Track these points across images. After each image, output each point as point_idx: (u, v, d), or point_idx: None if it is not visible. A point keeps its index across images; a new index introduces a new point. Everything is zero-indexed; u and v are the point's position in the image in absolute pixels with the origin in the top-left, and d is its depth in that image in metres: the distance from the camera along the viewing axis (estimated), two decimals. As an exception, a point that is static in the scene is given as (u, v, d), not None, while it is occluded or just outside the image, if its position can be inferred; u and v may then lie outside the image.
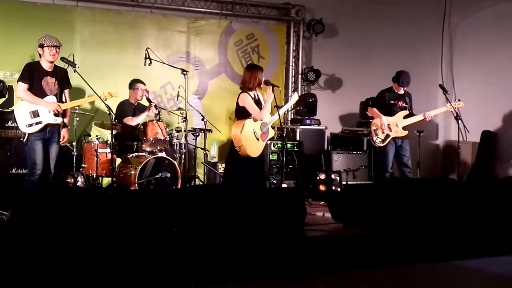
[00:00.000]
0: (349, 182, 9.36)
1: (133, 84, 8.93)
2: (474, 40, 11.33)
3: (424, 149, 9.45)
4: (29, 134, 7.09)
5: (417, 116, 8.95)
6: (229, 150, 7.64)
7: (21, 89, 7.13)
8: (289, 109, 10.57)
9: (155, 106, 8.73)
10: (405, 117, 8.93)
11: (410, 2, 11.50)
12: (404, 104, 8.97)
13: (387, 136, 8.84)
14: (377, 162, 9.22)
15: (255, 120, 7.50)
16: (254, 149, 7.48)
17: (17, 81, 7.22)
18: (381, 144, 8.88)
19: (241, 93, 7.55)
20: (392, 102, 8.96)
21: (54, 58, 7.18)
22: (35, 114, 7.11)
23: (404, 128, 8.88)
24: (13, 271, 4.96)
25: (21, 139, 7.17)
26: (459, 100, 8.95)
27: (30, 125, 7.09)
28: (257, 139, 7.50)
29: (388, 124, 8.83)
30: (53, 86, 7.23)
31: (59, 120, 7.25)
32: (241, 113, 7.53)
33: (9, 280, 4.89)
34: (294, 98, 8.14)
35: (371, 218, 6.94)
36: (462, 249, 6.47)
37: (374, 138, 8.95)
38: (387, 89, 9.05)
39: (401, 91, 8.98)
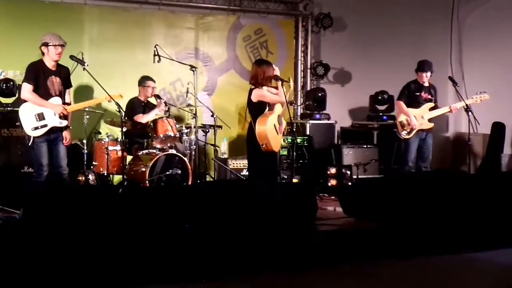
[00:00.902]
0: (359, 176, 9.36)
1: (143, 81, 8.94)
2: (483, 31, 11.27)
3: (435, 142, 9.40)
4: (34, 137, 7.01)
5: (443, 108, 8.91)
6: (250, 146, 7.55)
7: (26, 90, 7.00)
8: (299, 104, 10.57)
9: (165, 103, 8.75)
10: (431, 109, 8.88)
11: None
12: (429, 96, 8.90)
13: (413, 128, 8.80)
14: (400, 154, 9.11)
15: (282, 105, 7.47)
16: (276, 143, 7.44)
17: (22, 82, 7.12)
18: (407, 136, 8.82)
19: (253, 89, 7.45)
20: (418, 94, 8.88)
21: (59, 57, 7.09)
22: (41, 116, 7.01)
23: (430, 120, 8.83)
24: (25, 269, 4.98)
25: (26, 142, 7.05)
26: (484, 92, 8.85)
27: (36, 128, 6.98)
28: (277, 132, 7.47)
29: (414, 117, 8.79)
30: (58, 85, 7.12)
31: (64, 123, 7.14)
32: (256, 110, 7.39)
33: (21, 279, 4.92)
34: (291, 85, 8.10)
35: (382, 211, 6.92)
36: (475, 241, 6.46)
37: (400, 131, 8.89)
38: (412, 81, 8.98)
39: (426, 83, 8.92)
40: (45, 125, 7.03)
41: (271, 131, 7.31)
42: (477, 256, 6.19)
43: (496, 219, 6.87)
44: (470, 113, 8.76)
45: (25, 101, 7.10)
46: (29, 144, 7.02)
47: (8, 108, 8.34)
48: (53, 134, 7.13)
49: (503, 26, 10.83)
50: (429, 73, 8.89)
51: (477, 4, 11.48)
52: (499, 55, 10.90)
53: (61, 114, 7.10)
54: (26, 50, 8.63)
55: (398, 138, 8.99)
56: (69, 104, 7.30)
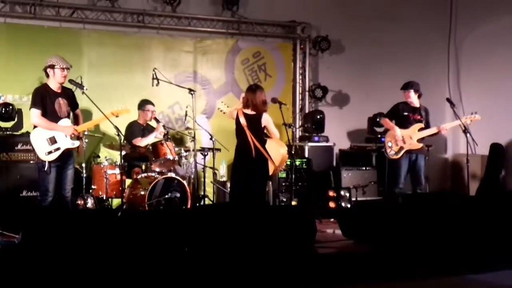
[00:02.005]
0: (358, 198, 9.35)
1: (143, 105, 8.97)
2: (481, 53, 11.31)
3: (433, 163, 9.42)
4: (49, 162, 7.00)
5: (432, 129, 8.77)
6: (264, 169, 7.65)
7: (35, 116, 7.03)
8: (298, 127, 10.58)
9: (163, 126, 8.77)
10: (420, 130, 8.83)
11: (416, 17, 11.53)
12: (419, 117, 8.79)
13: (401, 148, 8.69)
14: (389, 176, 8.98)
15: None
16: None
17: (30, 108, 7.12)
18: (395, 157, 8.70)
19: (262, 114, 7.61)
20: (406, 114, 8.80)
21: (64, 80, 7.14)
22: (53, 140, 7.04)
23: (419, 140, 8.73)
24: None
25: (42, 167, 7.00)
26: (475, 113, 8.80)
27: (50, 152, 7.00)
28: None
29: (402, 137, 8.74)
30: (65, 107, 7.17)
31: (76, 143, 7.19)
32: (264, 135, 7.69)
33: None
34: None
35: (382, 234, 6.91)
36: (476, 263, 6.44)
37: (388, 150, 8.77)
38: (402, 101, 8.93)
39: (417, 104, 8.86)
40: (58, 148, 7.07)
41: None
42: (478, 277, 6.16)
43: (497, 241, 6.86)
44: (468, 134, 8.74)
45: (35, 126, 7.14)
46: (45, 170, 7.00)
47: (7, 133, 8.34)
48: (65, 157, 7.14)
49: (500, 48, 10.88)
50: (411, 92, 8.79)
51: (475, 27, 11.53)
52: (496, 76, 10.94)
53: (72, 135, 7.14)
54: (25, 74, 8.70)
55: (386, 159, 8.87)
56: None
